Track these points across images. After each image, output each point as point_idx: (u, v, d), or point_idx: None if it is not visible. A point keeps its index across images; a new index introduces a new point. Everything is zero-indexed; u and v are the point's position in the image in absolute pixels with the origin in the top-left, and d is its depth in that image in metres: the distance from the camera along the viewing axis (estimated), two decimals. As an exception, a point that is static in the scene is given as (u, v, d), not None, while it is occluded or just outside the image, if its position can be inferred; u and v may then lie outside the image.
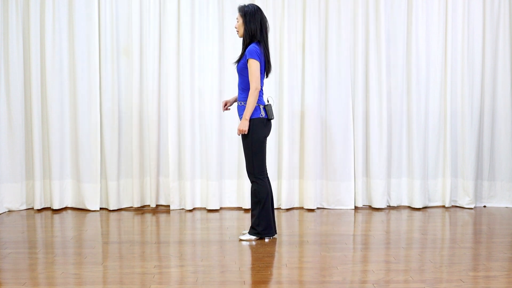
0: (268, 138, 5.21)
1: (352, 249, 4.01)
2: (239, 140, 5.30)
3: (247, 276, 3.38)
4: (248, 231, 4.27)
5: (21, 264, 3.59)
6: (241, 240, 4.19)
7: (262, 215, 4.15)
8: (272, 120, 5.18)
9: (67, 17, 5.19)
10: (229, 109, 4.44)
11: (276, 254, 3.84)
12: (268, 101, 4.24)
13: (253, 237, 4.19)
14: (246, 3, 4.18)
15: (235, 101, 4.37)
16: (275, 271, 3.48)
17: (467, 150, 5.37)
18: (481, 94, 5.42)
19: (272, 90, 5.30)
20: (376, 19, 5.31)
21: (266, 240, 4.19)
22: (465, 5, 5.33)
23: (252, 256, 3.83)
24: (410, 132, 5.38)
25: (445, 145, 5.39)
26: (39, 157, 5.20)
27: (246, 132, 4.05)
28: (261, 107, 4.11)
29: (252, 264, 3.64)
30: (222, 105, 4.43)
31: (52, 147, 5.20)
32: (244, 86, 4.12)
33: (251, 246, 4.05)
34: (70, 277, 3.34)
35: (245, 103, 4.08)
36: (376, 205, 5.36)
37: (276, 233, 4.26)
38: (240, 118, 4.15)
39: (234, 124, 5.27)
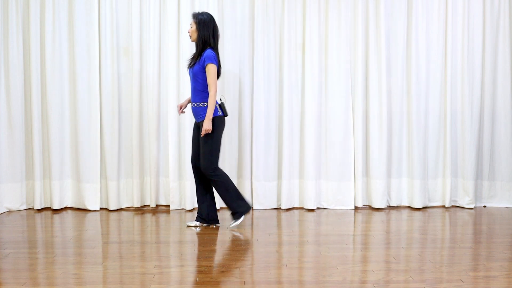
0: (268, 138, 5.28)
1: (352, 249, 4.01)
2: (238, 140, 5.30)
3: (247, 276, 3.38)
4: (233, 218, 4.54)
5: (21, 264, 3.59)
6: (232, 229, 4.48)
7: (234, 197, 4.46)
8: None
9: (67, 17, 5.19)
10: (184, 112, 4.72)
11: (276, 254, 3.84)
12: (221, 100, 4.54)
13: (241, 219, 4.50)
14: (201, 11, 4.45)
15: (188, 103, 4.66)
16: (275, 271, 3.47)
17: (467, 150, 5.37)
18: (481, 94, 5.41)
19: (272, 90, 5.30)
20: (376, 19, 5.30)
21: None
22: (465, 5, 5.33)
23: (252, 256, 3.83)
24: (410, 132, 5.38)
25: (445, 145, 5.38)
26: (39, 157, 5.20)
27: (211, 131, 4.29)
28: (217, 106, 4.40)
29: (252, 264, 3.64)
30: (177, 108, 4.70)
31: (52, 147, 5.20)
32: (200, 88, 4.38)
33: (250, 246, 4.06)
34: (70, 277, 3.34)
35: (202, 104, 4.39)
36: (376, 205, 5.36)
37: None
38: (196, 119, 4.45)
39: (233, 124, 5.27)
